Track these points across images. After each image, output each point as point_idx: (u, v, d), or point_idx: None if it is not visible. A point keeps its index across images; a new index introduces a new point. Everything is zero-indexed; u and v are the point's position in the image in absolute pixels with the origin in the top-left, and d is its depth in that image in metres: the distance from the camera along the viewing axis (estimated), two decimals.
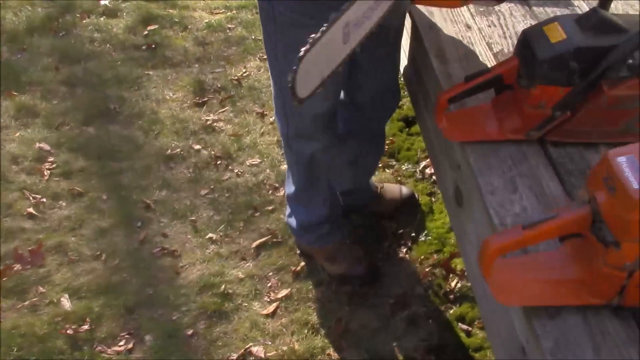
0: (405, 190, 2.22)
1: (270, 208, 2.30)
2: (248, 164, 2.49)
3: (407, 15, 1.75)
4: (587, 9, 1.28)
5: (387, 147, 2.46)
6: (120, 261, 2.13)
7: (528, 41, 1.20)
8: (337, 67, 1.22)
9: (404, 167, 2.42)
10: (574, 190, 1.18)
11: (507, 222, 1.12)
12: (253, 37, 3.24)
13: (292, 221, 2.01)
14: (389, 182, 2.30)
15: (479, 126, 1.30)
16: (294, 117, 1.66)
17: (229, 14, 3.45)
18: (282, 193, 2.35)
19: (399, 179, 2.37)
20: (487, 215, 1.16)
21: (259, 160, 2.49)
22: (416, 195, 2.24)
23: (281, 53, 1.48)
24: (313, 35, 1.04)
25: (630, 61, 1.15)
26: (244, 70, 3.01)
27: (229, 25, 3.35)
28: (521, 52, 1.22)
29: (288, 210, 2.03)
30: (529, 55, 1.19)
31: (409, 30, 1.77)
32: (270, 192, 2.37)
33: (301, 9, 1.35)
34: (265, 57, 3.11)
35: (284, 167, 2.44)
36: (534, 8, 1.68)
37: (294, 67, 1.01)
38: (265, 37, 1.51)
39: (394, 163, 2.45)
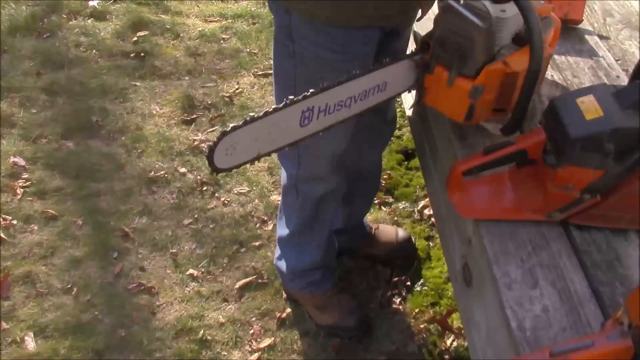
0: (401, 233, 2.08)
1: (257, 244, 2.15)
2: (236, 192, 2.34)
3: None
4: (613, 61, 1.15)
5: (384, 182, 2.33)
6: (92, 296, 1.97)
7: (559, 115, 1.05)
8: (283, 147, 1.12)
9: (401, 206, 2.28)
10: (600, 287, 1.04)
11: (525, 325, 0.98)
12: (248, 50, 3.09)
13: (282, 265, 1.87)
14: (385, 223, 2.16)
15: (496, 202, 1.16)
16: (307, 158, 1.53)
17: (224, 22, 3.30)
18: (270, 227, 2.20)
19: (395, 219, 2.23)
20: (502, 311, 1.02)
21: (248, 189, 2.35)
22: (413, 240, 2.10)
23: (300, 90, 1.34)
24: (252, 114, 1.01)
25: None
26: (236, 87, 2.85)
27: (224, 36, 3.19)
28: (549, 125, 1.08)
29: (278, 253, 1.89)
30: (559, 131, 1.05)
31: None
32: (258, 225, 2.22)
33: (326, 43, 1.25)
34: (260, 73, 2.98)
35: (274, 197, 2.30)
36: (555, 57, 1.54)
37: (215, 141, 0.99)
38: (280, 71, 1.40)
39: (390, 200, 2.31)
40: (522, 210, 1.14)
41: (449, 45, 1.13)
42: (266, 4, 1.47)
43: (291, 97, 1.07)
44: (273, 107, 1.05)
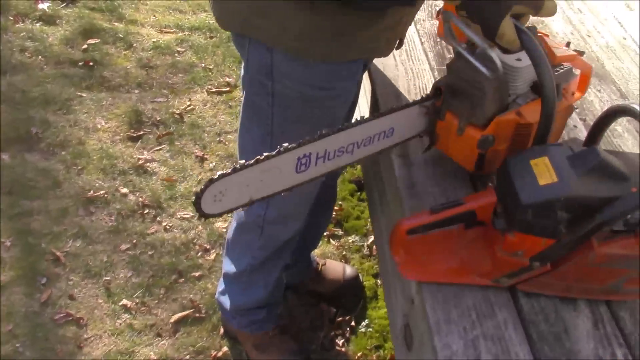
0: (349, 270, 2.00)
1: (197, 274, 2.04)
2: (179, 216, 2.23)
3: (368, 82, 1.55)
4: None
5: (334, 213, 2.24)
6: (14, 326, 1.83)
7: (511, 177, 0.99)
8: (278, 192, 1.03)
9: (350, 240, 2.20)
10: None
11: None
12: (203, 64, 2.98)
13: (225, 300, 1.76)
14: (333, 257, 2.08)
15: (442, 263, 1.08)
16: (279, 199, 1.41)
17: (180, 34, 3.18)
18: (213, 256, 2.10)
19: (344, 253, 2.15)
20: None
21: (192, 214, 2.24)
22: (360, 277, 2.02)
23: (278, 130, 1.25)
24: (242, 163, 0.94)
25: (629, 216, 0.96)
26: (188, 103, 2.74)
27: (179, 49, 3.08)
28: (501, 187, 1.01)
29: (221, 287, 1.78)
30: (510, 195, 0.98)
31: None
32: (200, 254, 2.11)
33: (312, 81, 1.17)
34: (213, 90, 2.88)
35: (219, 224, 2.20)
36: None
37: (202, 188, 0.93)
38: (253, 109, 1.28)
39: (340, 233, 2.23)
40: (469, 274, 1.07)
41: (458, 93, 1.11)
42: None
43: (285, 144, 0.99)
44: (265, 154, 0.97)
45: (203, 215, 0.97)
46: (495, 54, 1.01)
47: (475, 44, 1.02)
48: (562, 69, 1.20)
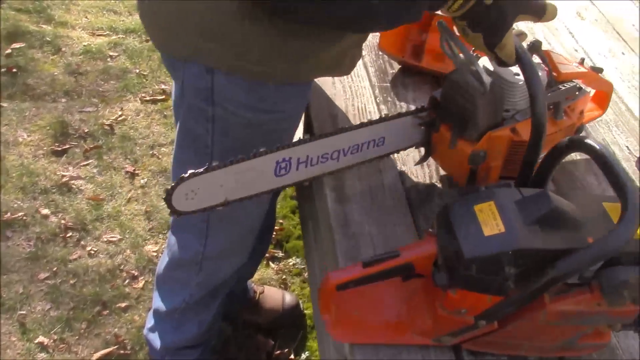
0: (289, 298, 1.86)
1: (123, 305, 1.88)
2: (105, 239, 2.05)
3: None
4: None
5: (274, 233, 2.10)
6: None
7: (452, 226, 0.86)
8: (255, 195, 1.01)
9: (291, 262, 2.06)
10: None
11: None
12: (137, 70, 2.81)
13: (154, 338, 1.58)
14: (272, 283, 1.94)
15: (377, 321, 0.96)
16: (219, 231, 1.28)
17: (113, 37, 2.99)
18: (141, 284, 1.93)
19: (283, 277, 2.01)
20: None
21: (119, 237, 2.07)
22: (301, 306, 1.88)
23: (219, 159, 1.11)
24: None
25: None
26: (119, 113, 2.56)
27: (111, 53, 2.89)
28: (442, 236, 0.89)
29: (150, 323, 1.60)
30: (452, 246, 0.85)
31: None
32: (127, 281, 1.94)
33: (257, 104, 1.07)
34: (147, 99, 2.70)
35: (149, 247, 2.03)
36: None
37: (175, 182, 0.91)
38: (190, 137, 1.15)
39: (280, 255, 2.09)
40: (407, 332, 0.94)
41: (452, 106, 1.07)
42: None
43: (262, 149, 0.96)
44: (240, 155, 0.95)
45: (175, 212, 0.93)
46: (482, 69, 0.99)
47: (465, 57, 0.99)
48: (566, 86, 1.15)
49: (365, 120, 1.06)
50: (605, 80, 1.26)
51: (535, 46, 1.08)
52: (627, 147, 1.43)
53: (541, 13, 0.97)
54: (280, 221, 2.16)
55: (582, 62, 1.25)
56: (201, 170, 0.91)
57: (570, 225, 0.86)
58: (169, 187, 0.91)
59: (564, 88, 1.15)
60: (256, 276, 1.96)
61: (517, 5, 0.94)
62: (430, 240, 0.90)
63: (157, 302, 1.52)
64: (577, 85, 1.17)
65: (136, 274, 1.96)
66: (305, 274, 2.03)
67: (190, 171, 0.90)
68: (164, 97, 2.66)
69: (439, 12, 0.98)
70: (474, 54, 1.02)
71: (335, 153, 1.05)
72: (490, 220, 0.85)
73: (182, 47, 1.03)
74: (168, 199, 0.92)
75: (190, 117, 1.13)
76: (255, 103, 1.08)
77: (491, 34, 0.94)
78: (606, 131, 1.47)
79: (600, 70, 1.27)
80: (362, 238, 1.09)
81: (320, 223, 1.23)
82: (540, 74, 1.04)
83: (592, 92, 1.24)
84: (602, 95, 1.28)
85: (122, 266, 1.98)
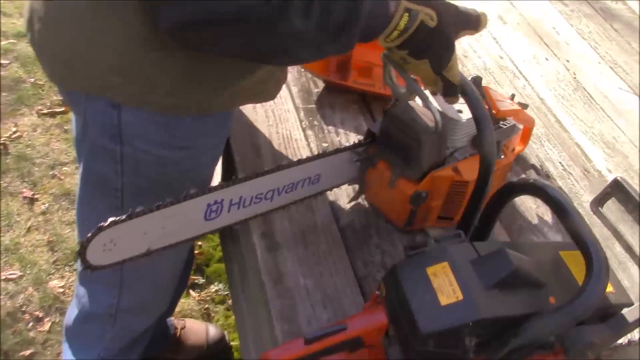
0: (213, 331, 1.73)
1: (27, 353, 1.68)
2: (3, 277, 1.84)
3: None
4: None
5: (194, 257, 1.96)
6: None
7: (405, 294, 0.76)
8: (182, 242, 0.93)
9: (213, 289, 1.93)
10: None
11: None
12: (33, 79, 2.56)
13: None
14: (193, 314, 1.80)
15: None
16: (136, 284, 1.16)
17: (3, 43, 2.72)
18: (47, 327, 1.75)
19: (206, 307, 1.87)
20: None
21: (20, 273, 1.86)
22: (227, 338, 1.76)
23: (130, 202, 0.99)
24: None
25: None
26: (13, 130, 2.32)
27: (2, 61, 2.63)
28: (392, 305, 0.79)
29: None
30: (405, 318, 0.76)
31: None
32: (31, 324, 1.75)
33: (170, 140, 0.97)
34: (45, 112, 2.47)
35: (55, 282, 1.85)
36: None
37: (92, 232, 0.81)
38: (94, 180, 1.04)
39: (201, 282, 1.94)
40: None
41: (394, 142, 1.01)
42: None
43: (193, 190, 0.88)
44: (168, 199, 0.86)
45: (89, 267, 0.85)
46: (442, 103, 0.95)
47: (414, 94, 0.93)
48: (506, 124, 1.11)
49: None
50: (530, 116, 1.27)
51: (477, 82, 1.01)
52: (560, 163, 1.39)
53: (478, 24, 0.93)
54: (199, 243, 2.02)
55: (512, 97, 1.24)
56: (124, 217, 0.82)
57: (532, 284, 0.79)
58: (85, 239, 0.82)
59: (505, 127, 1.11)
60: (176, 309, 1.81)
61: (457, 22, 0.88)
62: (380, 310, 0.80)
63: (67, 356, 1.36)
64: (514, 124, 1.14)
65: (41, 315, 1.77)
66: (229, 301, 1.90)
67: (110, 219, 0.81)
68: (63, 109, 2.44)
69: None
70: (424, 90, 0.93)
71: (270, 193, 0.99)
72: (445, 286, 0.76)
73: (88, 83, 0.91)
74: (82, 252, 0.83)
75: (96, 157, 1.01)
76: (168, 139, 0.97)
77: (439, 58, 0.87)
78: (539, 146, 1.42)
79: (526, 106, 1.27)
80: (298, 294, 0.98)
81: (249, 276, 1.11)
82: None
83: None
84: (525, 130, 1.26)
85: (25, 307, 1.78)
